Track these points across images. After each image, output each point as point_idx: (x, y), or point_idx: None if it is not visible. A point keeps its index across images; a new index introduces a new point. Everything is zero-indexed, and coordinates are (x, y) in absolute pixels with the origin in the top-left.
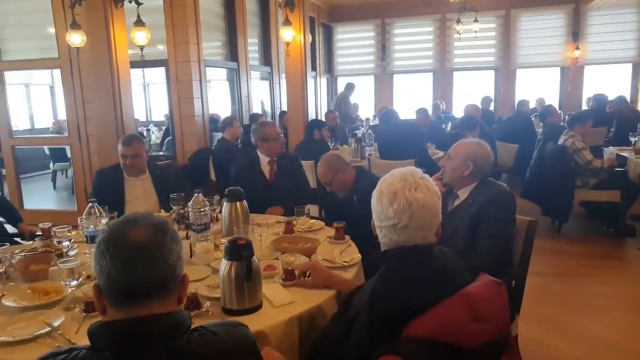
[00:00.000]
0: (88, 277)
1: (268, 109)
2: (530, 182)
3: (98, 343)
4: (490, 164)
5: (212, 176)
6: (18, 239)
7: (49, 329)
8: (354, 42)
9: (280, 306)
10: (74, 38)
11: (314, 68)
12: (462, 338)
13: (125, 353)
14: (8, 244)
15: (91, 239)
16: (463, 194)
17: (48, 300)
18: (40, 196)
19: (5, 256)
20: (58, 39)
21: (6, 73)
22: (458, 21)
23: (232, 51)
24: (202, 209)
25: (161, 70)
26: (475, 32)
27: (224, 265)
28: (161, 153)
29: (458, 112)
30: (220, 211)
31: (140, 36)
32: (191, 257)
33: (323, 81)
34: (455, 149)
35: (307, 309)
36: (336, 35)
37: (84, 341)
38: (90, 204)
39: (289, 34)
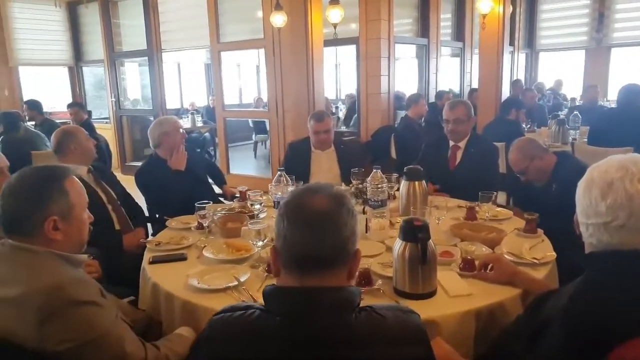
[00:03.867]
0: (272, 239)
1: (457, 86)
2: None
3: (271, 305)
4: None
5: (393, 154)
6: (221, 199)
7: (237, 283)
8: (562, 12)
9: (456, 296)
10: (277, 19)
11: (511, 43)
12: None
13: (295, 322)
14: (211, 202)
15: (278, 204)
16: None
17: (238, 256)
18: (243, 163)
19: (209, 213)
20: (264, 21)
21: (222, 53)
22: None
23: (423, 27)
24: (380, 185)
25: (352, 49)
26: None
27: (398, 245)
28: (344, 129)
29: None
30: (398, 189)
31: (334, 14)
32: (366, 232)
33: (521, 57)
34: None
35: (488, 304)
36: (540, 5)
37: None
38: (279, 172)
39: (486, 6)
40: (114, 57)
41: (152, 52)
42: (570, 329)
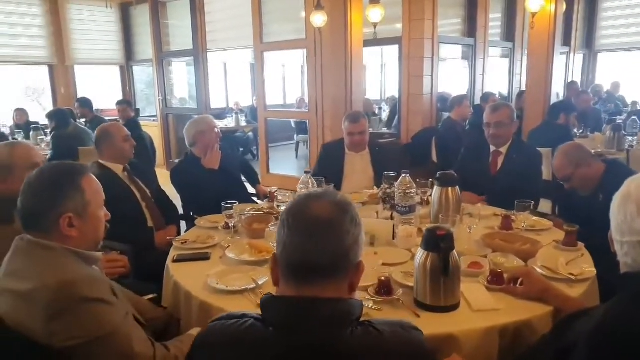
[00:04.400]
0: None
1: (505, 88)
2: None
3: (266, 315)
4: None
5: (434, 157)
6: (254, 199)
7: (254, 285)
8: (625, 10)
9: (479, 311)
10: (317, 19)
11: (566, 43)
12: None
13: (288, 333)
14: (244, 201)
15: None
16: None
17: (259, 258)
18: (284, 163)
19: (235, 213)
20: (306, 21)
21: (265, 54)
22: None
23: (470, 26)
24: (407, 191)
25: (396, 49)
26: None
27: (419, 254)
28: (386, 130)
29: None
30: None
31: (375, 14)
32: (393, 238)
33: (577, 58)
34: None
35: (513, 321)
36: (602, 3)
37: None
38: (305, 174)
39: (536, 4)
40: (162, 57)
41: (198, 52)
42: (595, 353)
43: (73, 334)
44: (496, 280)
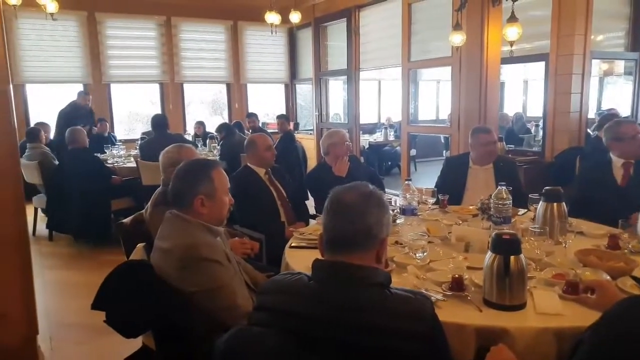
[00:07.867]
0: (396, 242)
1: None
2: None
3: (312, 273)
4: None
5: None
6: None
7: None
8: None
9: (542, 313)
10: (455, 38)
11: None
12: None
13: (319, 285)
14: None
15: (402, 210)
16: None
17: None
18: (429, 177)
19: None
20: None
21: (422, 70)
22: None
23: (635, 39)
24: (502, 203)
25: (541, 65)
26: None
27: (488, 256)
28: (536, 149)
29: None
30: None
31: (512, 32)
32: (487, 247)
33: None
34: None
35: (572, 325)
36: None
37: None
38: (406, 182)
39: None
40: (320, 76)
41: (351, 71)
42: (594, 346)
43: (195, 282)
44: (571, 290)
